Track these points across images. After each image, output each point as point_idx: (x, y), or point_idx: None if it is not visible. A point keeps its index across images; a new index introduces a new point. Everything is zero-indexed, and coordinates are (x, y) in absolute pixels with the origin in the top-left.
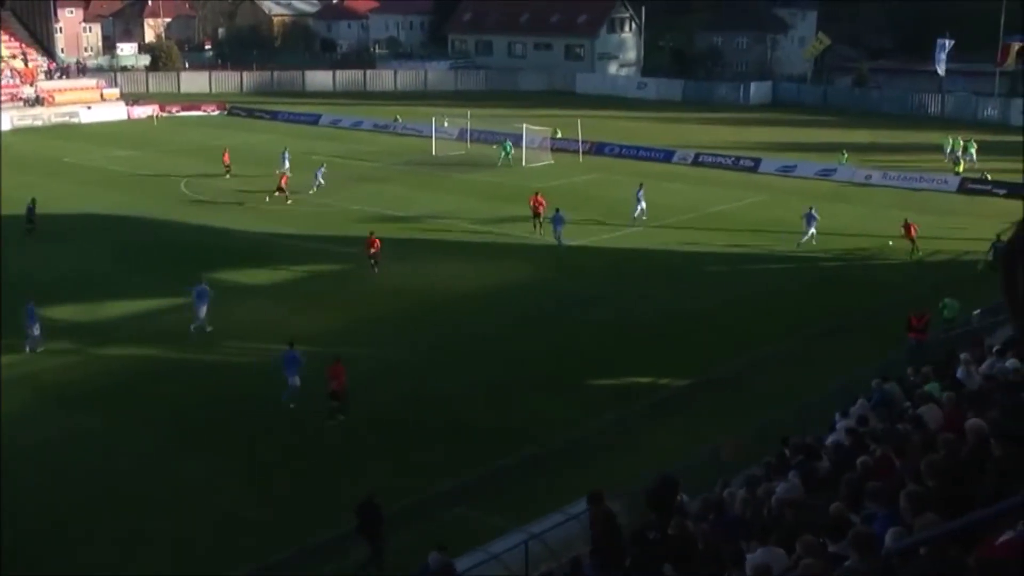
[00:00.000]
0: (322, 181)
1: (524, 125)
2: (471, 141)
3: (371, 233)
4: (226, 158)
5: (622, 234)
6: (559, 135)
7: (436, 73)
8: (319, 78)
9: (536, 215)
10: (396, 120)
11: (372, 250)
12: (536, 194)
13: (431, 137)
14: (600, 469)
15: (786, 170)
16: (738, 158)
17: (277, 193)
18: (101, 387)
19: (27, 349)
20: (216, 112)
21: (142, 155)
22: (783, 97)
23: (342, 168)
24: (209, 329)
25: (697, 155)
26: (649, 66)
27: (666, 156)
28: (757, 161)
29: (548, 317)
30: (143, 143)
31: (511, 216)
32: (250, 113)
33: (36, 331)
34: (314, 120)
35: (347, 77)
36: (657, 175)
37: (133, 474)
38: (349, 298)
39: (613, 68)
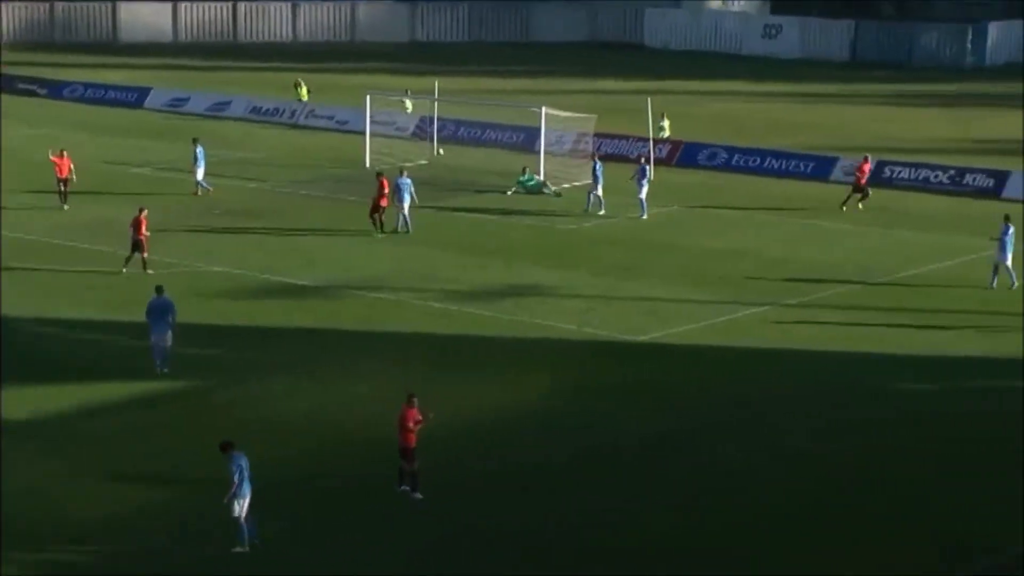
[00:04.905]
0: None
1: (543, 109)
2: (440, 140)
3: (141, 210)
4: (63, 166)
5: (734, 318)
6: (666, 132)
7: (374, 8)
8: (145, 17)
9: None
10: (300, 99)
11: (140, 235)
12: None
13: (363, 133)
14: None
15: None
16: (963, 171)
17: None
18: None
19: None
20: None
21: None
22: None
23: (189, 196)
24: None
25: (880, 166)
26: None
27: (819, 168)
28: (1001, 177)
29: (602, 487)
30: None
31: (514, 284)
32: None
33: None
34: (136, 99)
35: (201, 15)
36: (802, 204)
37: None
38: (196, 437)
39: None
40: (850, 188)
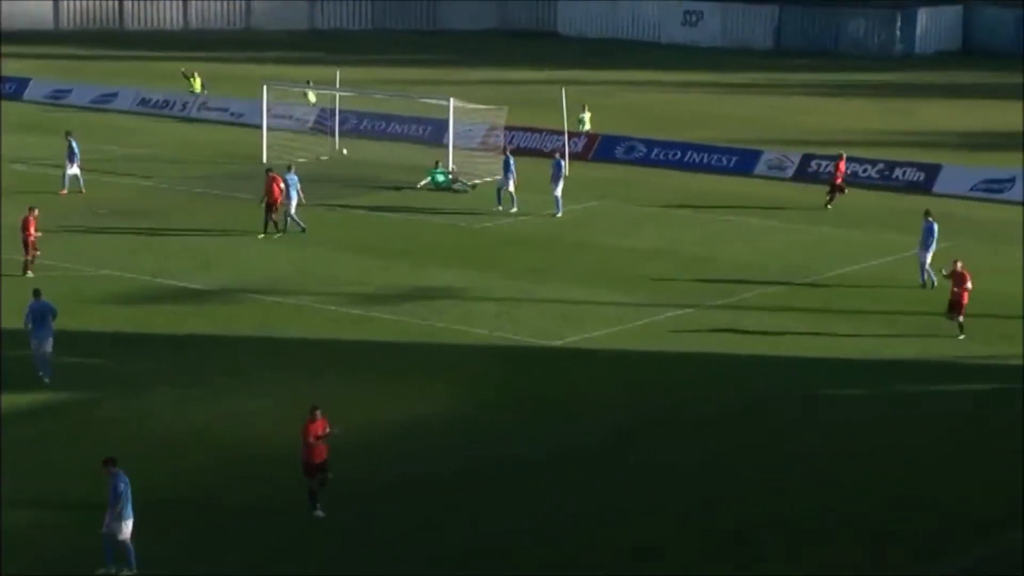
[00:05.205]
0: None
1: (451, 101)
2: (342, 134)
3: (31, 210)
4: None
5: (654, 321)
6: (587, 125)
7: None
8: (25, 3)
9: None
10: (192, 91)
11: (28, 235)
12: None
13: (260, 127)
14: None
15: (992, 188)
16: (892, 165)
17: None
18: None
19: None
20: None
21: None
22: (985, 39)
23: (74, 193)
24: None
25: (805, 160)
26: None
27: (742, 162)
28: (932, 171)
29: (510, 499)
30: None
31: (421, 287)
32: None
33: None
34: (15, 91)
35: (86, 2)
36: (725, 200)
37: None
38: (80, 453)
39: None
40: (828, 188)
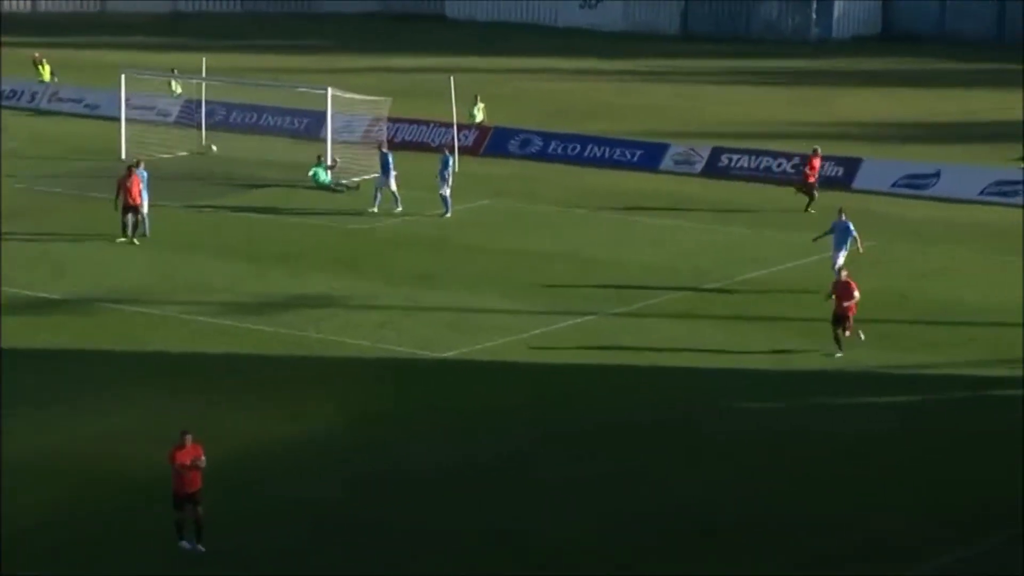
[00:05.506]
0: None
1: (329, 91)
2: (210, 127)
3: None
4: None
5: (552, 330)
6: (481, 117)
7: None
8: None
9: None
10: (41, 79)
11: None
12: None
13: (118, 119)
14: None
15: (915, 184)
16: (805, 159)
17: None
18: None
19: None
20: None
21: None
22: (905, 24)
23: None
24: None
25: (716, 152)
26: None
27: (647, 156)
28: (852, 165)
29: (387, 524)
30: None
31: (298, 295)
32: None
33: None
34: None
35: None
36: (628, 198)
37: None
38: None
39: None
40: (797, 187)
